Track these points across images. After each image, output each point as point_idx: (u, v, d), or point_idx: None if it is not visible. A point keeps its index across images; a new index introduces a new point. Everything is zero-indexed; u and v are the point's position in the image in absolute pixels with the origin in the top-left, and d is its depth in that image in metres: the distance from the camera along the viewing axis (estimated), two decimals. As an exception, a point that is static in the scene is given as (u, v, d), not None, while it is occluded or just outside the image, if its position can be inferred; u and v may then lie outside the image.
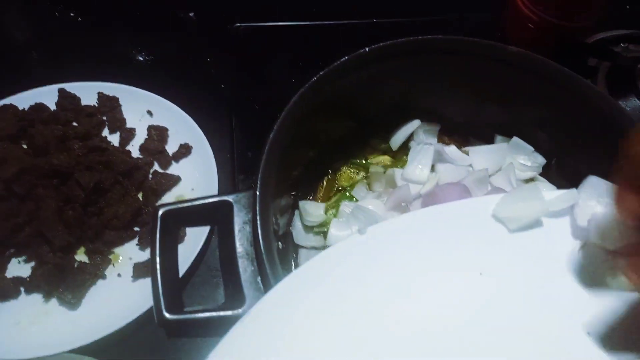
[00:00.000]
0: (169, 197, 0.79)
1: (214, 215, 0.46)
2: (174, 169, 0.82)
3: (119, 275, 0.73)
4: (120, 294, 0.70)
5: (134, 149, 0.84)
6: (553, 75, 0.58)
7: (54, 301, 0.70)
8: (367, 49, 0.53)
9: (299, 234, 0.56)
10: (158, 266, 0.41)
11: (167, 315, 0.39)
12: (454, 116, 0.65)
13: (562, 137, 0.62)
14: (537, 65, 0.59)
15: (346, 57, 0.52)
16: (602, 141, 0.58)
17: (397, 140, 0.65)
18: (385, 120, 0.64)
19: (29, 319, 0.68)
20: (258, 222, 0.42)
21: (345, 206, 0.60)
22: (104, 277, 0.72)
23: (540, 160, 0.64)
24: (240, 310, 0.40)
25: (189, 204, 0.45)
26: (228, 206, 0.45)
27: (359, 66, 0.54)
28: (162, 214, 0.44)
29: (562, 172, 0.64)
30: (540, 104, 0.61)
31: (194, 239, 0.74)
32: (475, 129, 0.68)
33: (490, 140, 0.68)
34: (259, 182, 0.44)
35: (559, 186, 0.65)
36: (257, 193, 0.43)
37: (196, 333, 0.42)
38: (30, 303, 0.70)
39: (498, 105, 0.63)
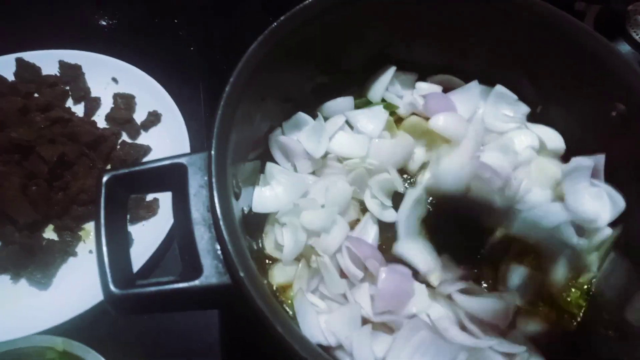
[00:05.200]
0: (139, 168, 0.75)
1: (168, 180, 0.42)
2: (143, 138, 0.78)
3: (90, 251, 0.69)
4: (93, 271, 0.65)
5: (99, 119, 0.79)
6: (538, 14, 0.54)
7: (23, 282, 0.67)
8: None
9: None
10: (103, 239, 0.37)
11: (114, 290, 0.36)
12: (433, 62, 0.60)
13: (547, 82, 0.58)
14: (521, 4, 0.54)
15: (307, 1, 0.47)
16: (591, 83, 0.54)
17: (376, 92, 0.60)
18: (358, 73, 0.59)
19: (-2, 300, 0.65)
20: (214, 184, 0.38)
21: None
22: (74, 254, 0.69)
23: (524, 109, 0.60)
24: (197, 282, 0.37)
25: (138, 167, 0.41)
26: (182, 169, 0.41)
27: (326, 10, 0.49)
28: (107, 180, 0.39)
29: (548, 119, 0.60)
30: (524, 46, 0.57)
31: (167, 212, 0.71)
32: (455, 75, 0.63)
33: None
34: (214, 141, 0.40)
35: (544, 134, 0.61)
36: (213, 153, 0.39)
37: (150, 308, 0.39)
38: (-1, 285, 0.66)
39: (479, 49, 0.58)
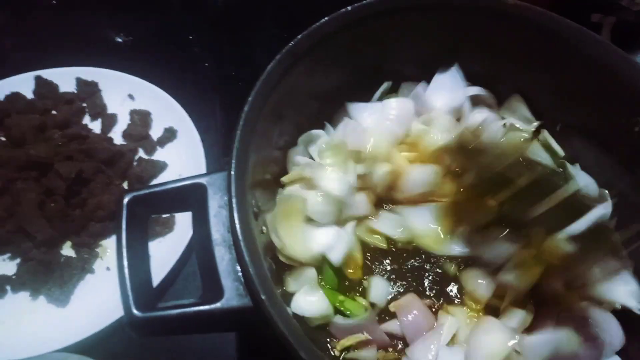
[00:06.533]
0: (155, 184, 0.75)
1: (188, 200, 0.42)
2: (159, 154, 0.79)
3: (107, 268, 0.69)
4: (110, 288, 0.66)
5: (116, 135, 0.80)
6: (555, 29, 0.53)
7: (41, 298, 0.67)
8: (349, 8, 0.48)
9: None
10: (125, 261, 0.37)
11: (136, 313, 0.35)
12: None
13: (566, 98, 0.57)
14: (537, 18, 0.53)
15: (326, 18, 0.47)
16: (612, 98, 0.53)
17: None
18: (366, 88, 0.59)
19: (16, 318, 0.65)
20: (234, 205, 0.38)
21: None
22: (92, 271, 0.69)
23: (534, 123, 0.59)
24: (218, 304, 0.37)
25: (158, 188, 0.41)
26: (202, 189, 0.41)
27: (341, 28, 0.49)
28: (128, 201, 0.39)
29: (568, 138, 0.59)
30: (542, 62, 0.56)
31: (184, 228, 0.71)
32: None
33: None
34: (233, 161, 0.40)
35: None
36: (232, 173, 0.39)
37: (171, 331, 0.38)
38: (17, 301, 0.67)
39: (497, 65, 0.58)
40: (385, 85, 0.60)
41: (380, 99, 0.60)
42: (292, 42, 0.46)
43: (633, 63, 0.52)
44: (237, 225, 0.37)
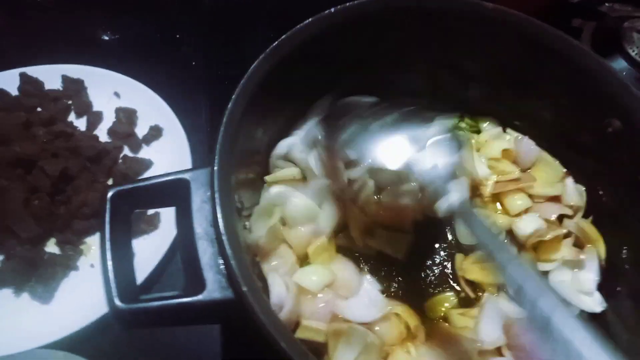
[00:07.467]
0: (141, 182, 0.76)
1: (171, 195, 0.42)
2: (145, 152, 0.79)
3: (91, 265, 0.70)
4: (94, 284, 0.66)
5: (102, 133, 0.80)
6: (534, 34, 0.55)
7: (25, 295, 0.67)
8: (332, 9, 0.49)
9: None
10: (109, 254, 0.38)
11: (119, 304, 0.36)
12: (422, 86, 0.61)
13: (541, 100, 0.59)
14: (517, 23, 0.55)
15: (310, 19, 0.48)
16: (586, 101, 0.54)
17: None
18: (350, 89, 0.59)
19: (-1, 315, 0.65)
20: (217, 200, 0.38)
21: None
22: (76, 268, 0.69)
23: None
24: (200, 296, 0.37)
25: (142, 183, 0.41)
26: (185, 184, 0.42)
27: (325, 30, 0.50)
28: (112, 196, 0.40)
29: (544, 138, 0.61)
30: (521, 65, 0.58)
31: (169, 226, 0.71)
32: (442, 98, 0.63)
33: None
34: (216, 157, 0.40)
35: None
36: (216, 168, 0.40)
37: (154, 322, 0.39)
38: (0, 298, 0.66)
39: (475, 70, 0.59)
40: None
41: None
42: (276, 43, 0.47)
43: (608, 67, 0.54)
44: (220, 220, 0.38)
